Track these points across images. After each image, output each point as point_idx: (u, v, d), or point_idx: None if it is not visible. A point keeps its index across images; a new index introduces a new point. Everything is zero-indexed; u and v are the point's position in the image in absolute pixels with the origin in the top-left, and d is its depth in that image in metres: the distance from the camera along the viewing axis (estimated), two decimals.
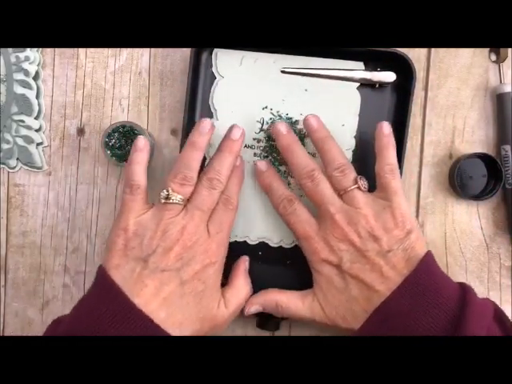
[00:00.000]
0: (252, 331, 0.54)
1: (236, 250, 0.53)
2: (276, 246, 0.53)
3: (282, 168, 0.52)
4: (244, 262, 0.52)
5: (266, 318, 0.52)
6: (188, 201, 0.47)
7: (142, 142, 0.48)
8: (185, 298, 0.46)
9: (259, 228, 0.53)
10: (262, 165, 0.50)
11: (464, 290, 0.44)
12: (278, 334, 0.53)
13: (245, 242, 0.53)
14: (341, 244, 0.46)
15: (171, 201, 0.46)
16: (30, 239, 0.56)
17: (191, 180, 0.47)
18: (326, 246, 0.47)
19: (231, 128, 0.49)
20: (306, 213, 0.48)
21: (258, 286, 0.51)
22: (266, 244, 0.53)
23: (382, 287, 0.45)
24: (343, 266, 0.46)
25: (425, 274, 0.44)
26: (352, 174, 0.47)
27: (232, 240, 0.53)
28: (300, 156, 0.48)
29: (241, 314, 0.50)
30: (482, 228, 0.53)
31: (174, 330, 0.44)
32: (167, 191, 0.46)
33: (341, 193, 0.47)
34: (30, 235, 0.55)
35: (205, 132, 0.47)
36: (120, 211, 0.47)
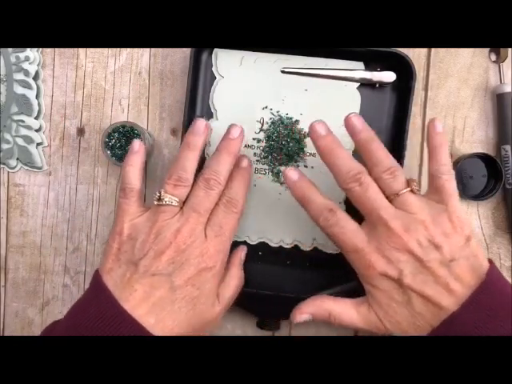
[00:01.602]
0: (252, 331, 0.54)
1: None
2: (276, 245, 0.53)
3: (282, 168, 0.52)
4: (240, 252, 0.51)
5: (265, 318, 0.52)
6: (184, 203, 0.46)
7: (136, 145, 0.47)
8: (176, 303, 0.44)
9: (259, 228, 0.53)
10: (293, 174, 0.46)
11: None
12: (277, 334, 0.53)
13: (245, 242, 0.53)
14: (399, 254, 0.42)
15: (164, 202, 0.45)
16: (29, 239, 0.56)
17: (186, 181, 0.46)
18: (382, 257, 0.42)
19: (229, 127, 0.48)
20: (351, 222, 0.44)
21: (258, 286, 0.51)
22: (266, 244, 0.53)
23: (448, 302, 0.41)
24: (404, 279, 0.42)
25: (494, 286, 0.41)
26: (402, 175, 0.44)
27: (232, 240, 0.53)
28: (343, 158, 0.44)
29: (241, 314, 0.50)
30: (481, 228, 0.53)
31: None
32: (159, 193, 0.45)
33: (391, 197, 0.43)
34: (30, 235, 0.55)
35: (199, 132, 0.46)
36: (116, 215, 0.47)
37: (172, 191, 0.45)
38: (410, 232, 0.42)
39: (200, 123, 0.47)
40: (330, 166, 0.45)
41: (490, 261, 0.43)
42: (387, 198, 0.44)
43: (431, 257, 0.42)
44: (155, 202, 0.45)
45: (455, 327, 0.40)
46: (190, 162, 0.46)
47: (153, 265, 0.43)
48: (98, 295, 0.43)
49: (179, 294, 0.44)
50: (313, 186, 0.46)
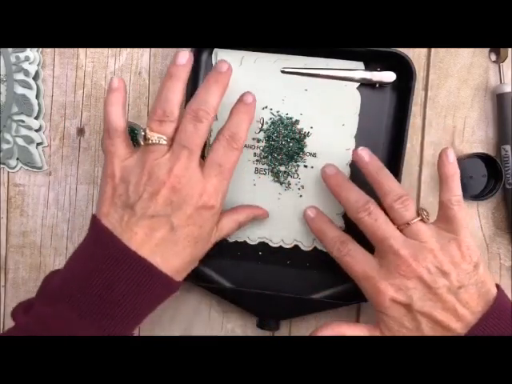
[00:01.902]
0: (252, 331, 0.54)
1: (236, 249, 0.53)
2: (276, 245, 0.53)
3: (282, 168, 0.52)
4: (260, 210, 0.51)
5: (265, 318, 0.52)
6: (173, 139, 0.43)
7: (115, 81, 0.45)
8: (180, 243, 0.43)
9: (259, 228, 0.53)
10: (312, 212, 0.50)
11: None
12: (277, 334, 0.53)
13: (245, 241, 0.53)
14: (408, 281, 0.43)
15: (151, 142, 0.43)
16: (30, 239, 0.56)
17: (171, 115, 0.43)
18: (391, 285, 0.44)
19: (217, 62, 0.45)
20: (361, 252, 0.46)
21: (258, 286, 0.52)
22: (266, 244, 0.53)
23: (457, 326, 0.43)
24: (414, 305, 0.43)
25: (502, 312, 0.42)
26: (413, 205, 0.45)
27: (232, 240, 0.53)
28: (350, 191, 0.46)
29: (241, 314, 0.50)
30: (481, 228, 0.53)
31: (173, 276, 0.44)
32: (143, 131, 0.43)
33: (402, 226, 0.44)
34: (30, 235, 0.55)
35: (183, 62, 0.44)
36: (105, 159, 0.45)
37: (158, 128, 0.43)
38: (418, 260, 0.43)
39: (183, 53, 0.44)
40: (338, 199, 0.47)
41: (498, 286, 0.44)
42: (398, 226, 0.45)
43: (440, 284, 0.43)
44: (141, 142, 0.43)
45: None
46: (174, 93, 0.43)
47: (150, 206, 0.42)
48: (100, 238, 0.43)
49: (180, 234, 0.43)
50: (328, 221, 0.49)
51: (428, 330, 0.43)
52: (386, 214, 0.46)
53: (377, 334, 0.45)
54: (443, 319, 0.43)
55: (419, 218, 0.44)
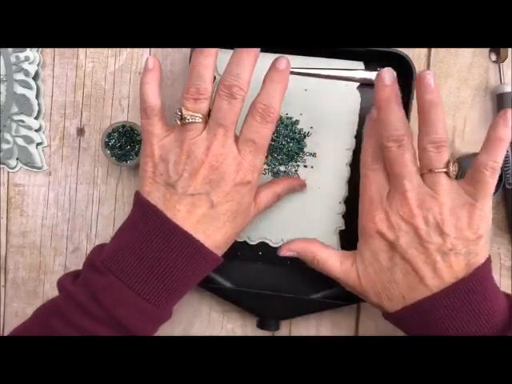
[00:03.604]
0: (252, 331, 0.54)
1: (236, 249, 0.53)
2: (276, 246, 0.53)
3: (282, 168, 0.52)
4: (297, 181, 0.51)
5: (265, 318, 0.52)
6: (209, 116, 0.44)
7: (151, 61, 0.45)
8: (220, 219, 0.44)
9: (259, 228, 0.53)
10: (388, 73, 0.43)
11: None
12: (277, 334, 0.53)
13: (245, 242, 0.53)
14: (403, 224, 0.43)
15: (187, 120, 0.43)
16: (29, 239, 0.56)
17: (205, 92, 0.43)
18: (386, 219, 0.44)
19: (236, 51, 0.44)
20: (385, 179, 0.45)
21: (258, 286, 0.52)
22: (266, 244, 0.53)
23: (431, 282, 0.42)
24: (398, 246, 0.43)
25: (480, 282, 0.42)
26: (446, 154, 0.42)
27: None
28: (396, 115, 0.43)
29: (241, 314, 0.50)
30: None
31: (215, 251, 0.45)
32: (180, 111, 0.43)
33: (425, 171, 0.43)
34: (30, 235, 0.55)
35: None
36: (142, 139, 0.46)
37: (193, 107, 0.43)
38: (422, 208, 0.42)
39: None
40: (380, 119, 0.44)
41: (488, 259, 0.43)
42: (422, 171, 0.43)
43: (432, 239, 0.42)
44: (178, 122, 0.44)
45: (430, 308, 0.42)
46: (207, 69, 0.43)
47: (190, 185, 0.43)
48: (146, 213, 0.44)
49: (220, 210, 0.44)
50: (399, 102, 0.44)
51: (400, 275, 0.43)
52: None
53: (348, 262, 0.46)
54: (421, 270, 0.42)
55: (444, 170, 0.42)
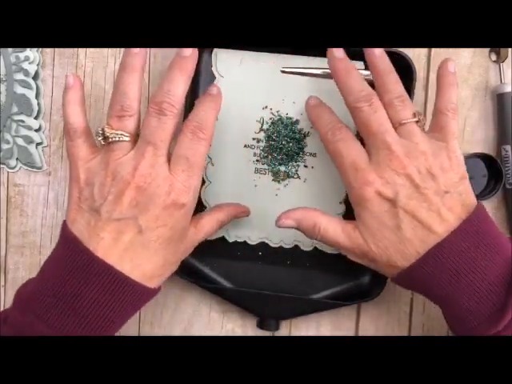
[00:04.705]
0: (252, 331, 0.54)
1: (236, 249, 0.53)
2: (276, 246, 0.53)
3: (282, 168, 0.52)
4: (242, 208, 0.50)
5: (265, 318, 0.52)
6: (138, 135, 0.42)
7: (71, 79, 0.44)
8: (151, 247, 0.41)
9: (259, 228, 0.53)
10: (314, 100, 0.47)
11: None
12: (277, 334, 0.53)
13: (245, 242, 0.53)
14: (397, 177, 0.42)
15: (111, 139, 0.41)
16: (29, 239, 0.55)
17: (130, 109, 0.41)
18: (380, 177, 0.42)
19: (179, 50, 0.43)
20: (356, 141, 0.44)
21: (258, 286, 0.51)
22: (266, 244, 0.53)
23: (439, 228, 0.41)
24: (398, 201, 0.42)
25: (483, 221, 0.42)
26: (412, 106, 0.44)
27: (232, 240, 0.53)
28: (358, 79, 0.43)
29: (241, 314, 0.50)
30: None
31: (146, 282, 0.42)
32: (101, 130, 0.41)
33: (396, 125, 0.43)
34: (30, 235, 0.55)
35: (135, 52, 0.42)
36: (69, 162, 0.44)
37: (117, 125, 0.41)
38: (410, 158, 0.42)
39: (134, 49, 0.42)
40: (342, 86, 0.44)
41: (481, 203, 0.44)
42: (393, 125, 0.43)
43: (428, 184, 0.42)
44: (102, 142, 0.41)
45: (443, 252, 0.41)
46: (131, 85, 0.42)
47: (115, 209, 0.40)
48: (66, 245, 0.41)
49: (150, 236, 0.41)
50: (329, 109, 0.46)
51: (408, 231, 0.42)
52: None
53: (350, 227, 0.44)
54: (427, 219, 0.42)
55: (415, 119, 0.43)
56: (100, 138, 0.41)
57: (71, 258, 0.40)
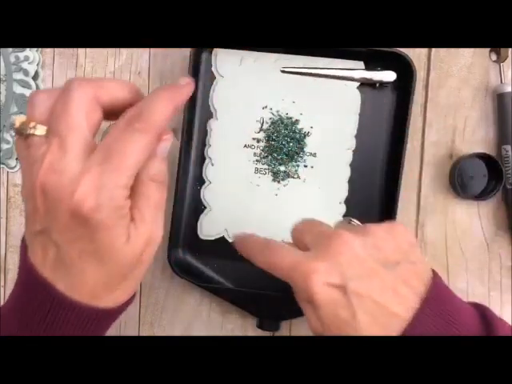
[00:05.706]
0: (252, 331, 0.54)
1: (236, 250, 0.53)
2: None
3: (282, 168, 0.52)
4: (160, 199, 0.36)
5: (265, 319, 0.52)
6: None
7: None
8: (76, 263, 0.33)
9: (259, 228, 0.52)
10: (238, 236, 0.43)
11: (483, 312, 0.39)
12: (277, 334, 0.53)
13: None
14: (341, 257, 0.35)
15: (25, 133, 0.34)
16: None
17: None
18: (321, 263, 0.35)
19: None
20: (286, 246, 0.39)
21: (258, 286, 0.51)
22: None
23: (399, 309, 0.35)
24: (349, 285, 0.35)
25: (443, 290, 0.38)
26: None
27: (232, 240, 0.53)
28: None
29: (241, 315, 0.50)
30: (482, 228, 0.53)
31: (92, 302, 0.35)
32: (13, 123, 0.34)
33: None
34: None
35: None
36: None
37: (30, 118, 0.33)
38: (352, 232, 0.37)
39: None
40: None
41: (434, 270, 0.39)
42: None
43: (375, 256, 0.36)
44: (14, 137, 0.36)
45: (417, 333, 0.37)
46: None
47: (35, 219, 0.33)
48: (21, 256, 0.37)
49: (70, 252, 0.33)
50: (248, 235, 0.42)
51: (365, 319, 0.35)
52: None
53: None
54: (382, 300, 0.35)
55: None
56: (13, 132, 0.36)
57: (19, 274, 0.38)
